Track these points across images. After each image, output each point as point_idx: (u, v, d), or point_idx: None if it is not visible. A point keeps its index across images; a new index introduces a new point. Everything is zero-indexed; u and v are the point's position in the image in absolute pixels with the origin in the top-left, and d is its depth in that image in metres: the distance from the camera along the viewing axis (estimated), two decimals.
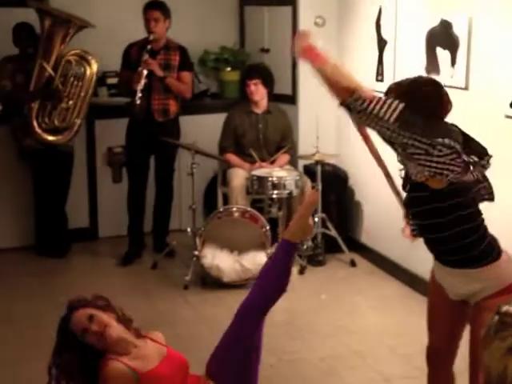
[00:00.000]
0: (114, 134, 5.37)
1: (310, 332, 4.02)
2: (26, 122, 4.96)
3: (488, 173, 2.51)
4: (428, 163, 2.32)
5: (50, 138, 5.00)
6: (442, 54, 4.12)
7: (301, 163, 5.37)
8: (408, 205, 2.54)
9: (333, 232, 4.98)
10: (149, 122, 4.96)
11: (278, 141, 5.22)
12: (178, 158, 5.31)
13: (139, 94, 4.79)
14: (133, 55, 4.96)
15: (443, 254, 2.48)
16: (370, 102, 2.32)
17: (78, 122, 5.05)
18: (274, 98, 5.31)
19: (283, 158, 5.17)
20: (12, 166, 5.31)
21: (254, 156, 5.05)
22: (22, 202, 5.36)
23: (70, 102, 4.98)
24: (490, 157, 2.45)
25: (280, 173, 4.85)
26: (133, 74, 4.85)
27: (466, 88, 3.95)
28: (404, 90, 2.41)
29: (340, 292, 4.58)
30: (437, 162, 2.31)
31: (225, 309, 4.33)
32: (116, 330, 2.46)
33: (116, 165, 5.53)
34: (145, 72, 4.83)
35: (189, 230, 4.87)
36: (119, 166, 5.52)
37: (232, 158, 5.16)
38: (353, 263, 4.94)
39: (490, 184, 2.52)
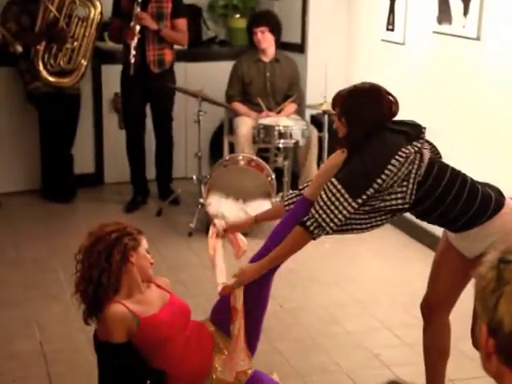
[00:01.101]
0: (120, 78, 5.32)
1: (311, 280, 4.06)
2: (32, 65, 4.93)
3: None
4: (405, 193, 2.40)
5: (57, 80, 4.98)
6: (455, 3, 4.04)
7: (308, 113, 5.34)
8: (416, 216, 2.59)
9: None
10: (144, 74, 4.88)
11: (286, 89, 5.17)
12: (184, 105, 5.28)
13: (133, 52, 4.70)
14: (123, 4, 4.84)
15: (445, 226, 2.56)
16: (316, 218, 2.39)
17: (84, 63, 5.02)
18: (282, 46, 5.24)
19: (290, 107, 5.13)
20: (19, 109, 5.30)
21: (261, 105, 5.01)
22: (28, 146, 5.36)
23: (75, 43, 4.95)
24: (425, 128, 2.51)
25: (287, 122, 4.82)
26: (123, 24, 4.75)
27: (478, 38, 3.89)
28: (345, 100, 2.49)
29: (342, 241, 4.59)
30: (409, 188, 2.39)
31: (228, 256, 4.36)
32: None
33: (121, 111, 5.50)
34: (137, 27, 4.72)
35: (194, 177, 4.87)
36: None
37: (239, 106, 5.13)
38: None
39: (434, 147, 2.56)
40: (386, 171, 2.36)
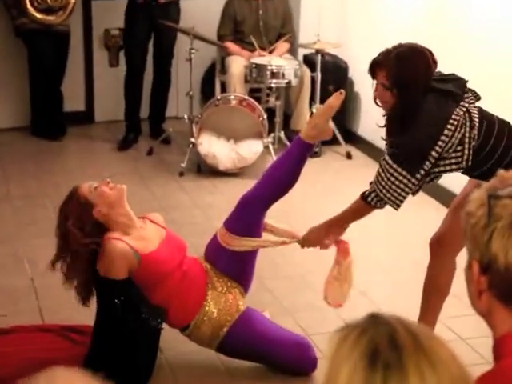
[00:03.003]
0: (111, 15, 5.22)
1: (301, 220, 4.07)
2: (19, 0, 4.81)
3: None
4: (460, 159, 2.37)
5: (44, 17, 4.89)
6: None
7: (301, 52, 5.26)
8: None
9: (330, 123, 4.94)
10: (151, 4, 4.80)
11: (278, 28, 5.09)
12: (176, 43, 5.18)
13: None
14: None
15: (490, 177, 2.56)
16: (381, 197, 2.38)
17: (73, 1, 4.92)
18: None
19: (283, 46, 5.05)
20: (7, 45, 5.20)
21: (254, 43, 4.93)
22: (17, 82, 5.29)
23: None
24: (467, 81, 2.46)
25: (279, 61, 4.75)
26: None
27: None
28: (392, 68, 2.35)
29: (334, 183, 4.61)
30: (465, 154, 2.35)
31: (219, 196, 4.38)
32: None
33: (113, 48, 5.42)
34: None
35: (186, 117, 4.82)
36: (116, 50, 5.41)
37: (231, 45, 5.04)
38: (349, 155, 4.94)
39: (475, 92, 2.49)
40: (440, 143, 2.33)
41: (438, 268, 2.66)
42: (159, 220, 2.70)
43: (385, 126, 2.50)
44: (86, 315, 2.81)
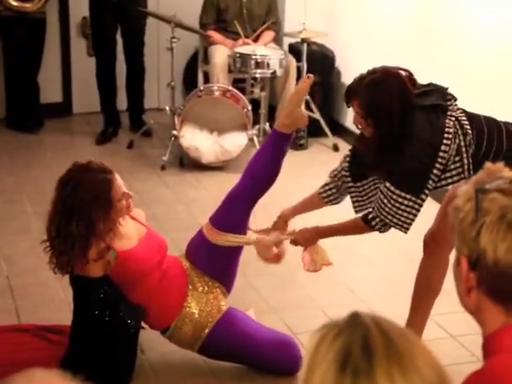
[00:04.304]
0: (88, 2, 5.06)
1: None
2: None
3: None
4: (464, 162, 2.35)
5: (20, 4, 4.78)
6: None
7: (286, 41, 5.17)
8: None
9: (316, 115, 4.86)
10: None
11: (263, 16, 4.99)
12: (156, 31, 5.09)
13: None
14: None
15: None
16: (387, 222, 2.36)
17: None
18: None
19: (268, 35, 4.95)
20: None
21: (238, 28, 4.81)
22: None
23: None
24: (447, 89, 2.42)
25: (264, 51, 4.65)
26: None
27: None
28: (365, 98, 2.27)
29: (321, 176, 4.50)
30: (465, 163, 2.34)
31: (202, 190, 4.29)
32: None
33: (91, 36, 5.27)
34: None
35: (167, 108, 4.72)
36: None
37: (214, 34, 4.94)
38: (335, 148, 4.87)
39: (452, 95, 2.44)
40: (439, 159, 2.30)
41: (433, 266, 2.62)
42: (141, 216, 2.64)
43: (371, 162, 2.42)
44: (63, 315, 2.77)
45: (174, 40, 4.57)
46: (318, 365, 0.91)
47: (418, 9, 4.28)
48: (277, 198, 4.25)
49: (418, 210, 2.35)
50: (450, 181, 2.38)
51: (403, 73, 2.34)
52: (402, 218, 2.35)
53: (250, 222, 2.71)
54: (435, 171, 2.32)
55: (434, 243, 2.60)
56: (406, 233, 2.40)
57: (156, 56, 5.24)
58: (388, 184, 2.33)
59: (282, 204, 4.04)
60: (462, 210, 1.16)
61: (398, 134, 2.29)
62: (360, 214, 2.50)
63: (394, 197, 2.32)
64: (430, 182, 2.33)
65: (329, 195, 2.67)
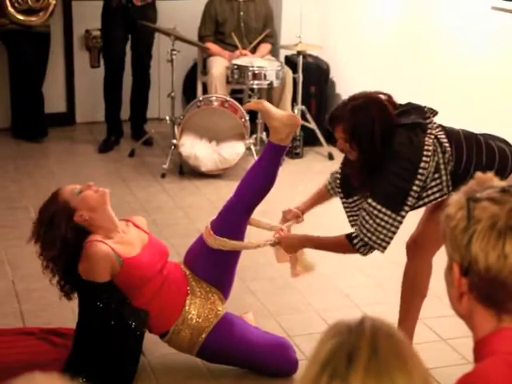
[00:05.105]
0: (92, 15, 5.17)
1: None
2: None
3: None
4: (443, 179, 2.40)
5: (25, 18, 4.86)
6: None
7: (282, 54, 5.27)
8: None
9: (312, 124, 4.96)
10: (127, 7, 4.79)
11: (260, 30, 5.08)
12: (157, 44, 5.17)
13: None
14: None
15: None
16: (366, 241, 2.39)
17: (53, 1, 4.90)
18: None
19: (264, 47, 5.05)
20: None
21: (235, 40, 4.91)
22: None
23: None
24: (425, 107, 2.47)
25: (261, 62, 4.75)
26: None
27: None
28: (348, 125, 2.35)
29: (316, 184, 4.58)
30: (444, 180, 2.38)
31: (202, 198, 4.36)
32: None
33: (94, 49, 5.39)
34: None
35: (167, 118, 4.81)
36: (97, 50, 5.38)
37: (212, 46, 5.03)
38: (331, 156, 4.94)
39: (432, 110, 2.51)
40: (419, 176, 2.35)
41: (417, 270, 2.66)
42: (143, 224, 2.68)
43: (356, 185, 2.51)
44: (67, 318, 2.81)
45: (174, 52, 4.66)
46: (315, 357, 0.94)
47: (407, 22, 4.38)
48: (273, 205, 4.34)
49: (397, 228, 2.39)
50: (432, 197, 2.42)
51: (383, 97, 2.42)
52: (381, 236, 2.38)
53: (248, 228, 2.75)
54: (414, 187, 2.36)
55: (415, 246, 2.65)
56: (383, 252, 2.44)
57: (157, 68, 5.33)
58: (370, 200, 2.39)
59: (278, 211, 4.13)
60: (454, 218, 1.16)
61: (380, 154, 2.36)
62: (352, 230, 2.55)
63: (375, 212, 2.37)
64: (410, 198, 2.37)
65: (333, 187, 2.74)
